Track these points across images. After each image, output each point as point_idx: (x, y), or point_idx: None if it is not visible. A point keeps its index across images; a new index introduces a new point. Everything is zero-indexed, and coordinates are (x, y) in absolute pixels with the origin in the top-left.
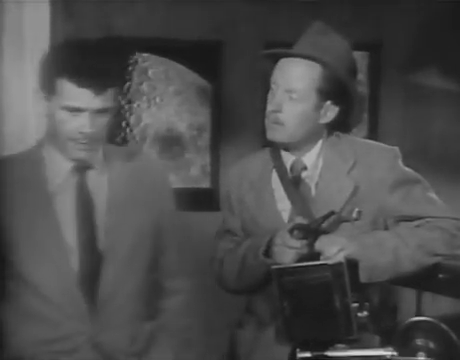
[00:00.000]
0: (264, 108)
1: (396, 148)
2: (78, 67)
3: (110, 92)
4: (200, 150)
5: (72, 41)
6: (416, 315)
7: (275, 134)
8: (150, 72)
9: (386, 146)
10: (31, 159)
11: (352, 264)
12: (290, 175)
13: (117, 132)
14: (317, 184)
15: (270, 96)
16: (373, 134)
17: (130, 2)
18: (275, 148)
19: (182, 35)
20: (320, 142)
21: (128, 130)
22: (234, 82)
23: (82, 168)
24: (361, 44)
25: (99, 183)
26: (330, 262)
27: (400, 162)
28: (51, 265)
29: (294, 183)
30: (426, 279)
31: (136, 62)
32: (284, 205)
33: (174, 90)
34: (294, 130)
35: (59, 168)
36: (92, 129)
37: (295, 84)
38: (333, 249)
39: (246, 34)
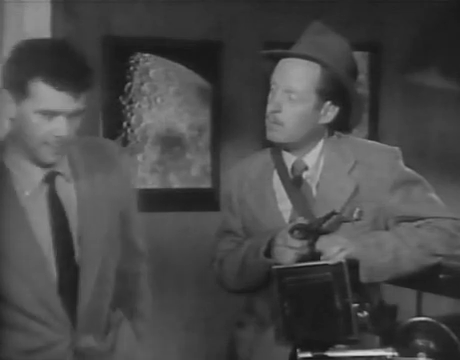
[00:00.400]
0: (264, 108)
1: (397, 148)
2: (55, 69)
3: (84, 94)
4: (200, 150)
5: (38, 41)
6: (416, 315)
7: (275, 134)
8: (151, 72)
9: (387, 146)
10: None
11: (352, 264)
12: (291, 175)
13: (118, 132)
14: (318, 184)
15: (270, 96)
16: (373, 134)
17: (130, 2)
18: (276, 148)
19: (182, 35)
20: (321, 142)
21: (129, 130)
22: (234, 82)
23: (51, 177)
24: (361, 44)
25: (68, 191)
26: (331, 262)
27: (401, 162)
28: (29, 278)
29: (295, 183)
30: (426, 279)
31: (137, 62)
32: (285, 205)
33: (175, 90)
34: (294, 130)
35: (28, 178)
36: (68, 132)
37: (294, 84)
38: (334, 249)
39: (246, 34)
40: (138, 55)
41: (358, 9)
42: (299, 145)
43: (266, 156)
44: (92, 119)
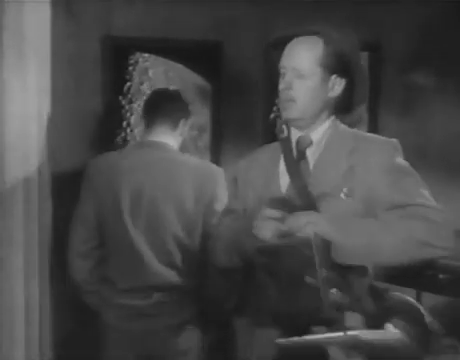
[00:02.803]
0: (264, 109)
1: (395, 140)
2: None
3: None
4: (200, 150)
5: None
6: None
7: (289, 112)
8: (150, 72)
9: (386, 139)
10: None
11: (328, 244)
12: (295, 151)
13: (118, 132)
14: (316, 161)
15: (280, 79)
16: (373, 133)
17: (130, 2)
18: (285, 140)
19: (182, 35)
20: (327, 122)
21: (129, 130)
22: (234, 82)
23: None
24: (361, 44)
25: None
26: (299, 236)
27: (398, 154)
28: None
29: (298, 157)
30: (426, 279)
31: (137, 62)
32: (286, 180)
33: None
34: (306, 106)
35: None
36: None
37: (300, 62)
38: (300, 222)
39: (246, 34)
40: (138, 55)
41: (358, 9)
42: (310, 122)
43: (275, 145)
44: (92, 119)
